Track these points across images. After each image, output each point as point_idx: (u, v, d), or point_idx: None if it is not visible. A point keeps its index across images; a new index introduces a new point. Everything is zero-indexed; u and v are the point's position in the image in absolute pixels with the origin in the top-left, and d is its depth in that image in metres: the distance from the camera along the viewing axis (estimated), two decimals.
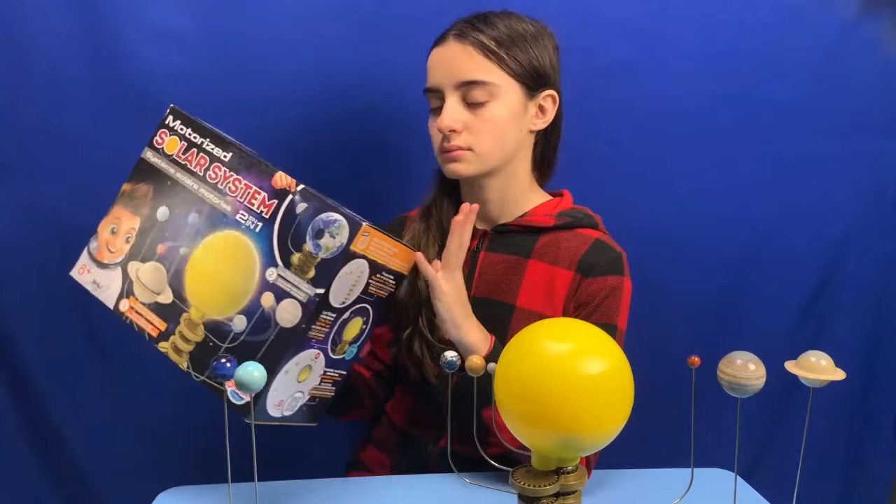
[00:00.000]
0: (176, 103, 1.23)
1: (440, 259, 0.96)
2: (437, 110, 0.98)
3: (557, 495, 0.61)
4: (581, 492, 0.62)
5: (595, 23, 1.28)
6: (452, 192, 1.06)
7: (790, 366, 0.57)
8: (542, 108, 1.01)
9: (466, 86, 0.95)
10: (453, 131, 0.96)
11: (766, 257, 1.38)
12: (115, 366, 1.31)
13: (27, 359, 1.28)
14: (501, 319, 0.99)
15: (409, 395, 1.09)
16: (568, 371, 0.56)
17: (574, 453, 0.60)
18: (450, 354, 0.67)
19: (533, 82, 0.98)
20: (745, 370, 0.55)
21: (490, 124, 0.96)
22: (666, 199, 1.34)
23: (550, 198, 1.07)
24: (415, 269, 0.94)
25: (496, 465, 0.74)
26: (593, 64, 1.28)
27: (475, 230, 1.04)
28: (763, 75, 1.32)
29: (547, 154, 1.07)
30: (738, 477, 0.78)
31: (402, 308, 1.02)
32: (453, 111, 0.96)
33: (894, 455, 1.50)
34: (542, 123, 1.02)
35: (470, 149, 0.97)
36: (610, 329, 0.96)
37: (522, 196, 1.05)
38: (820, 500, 1.49)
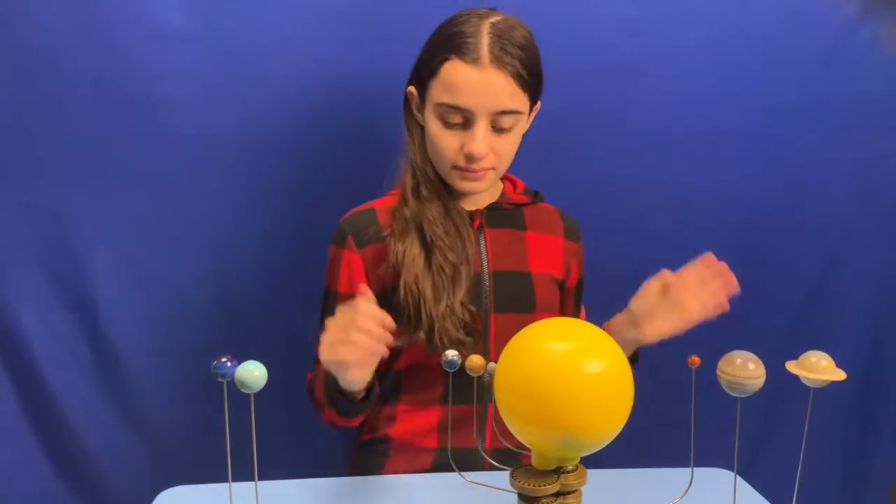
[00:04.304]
0: (178, 103, 1.24)
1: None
2: (453, 126, 0.98)
3: (557, 495, 0.60)
4: (581, 491, 0.61)
5: (595, 24, 1.28)
6: (435, 186, 1.04)
7: (791, 366, 0.57)
8: (529, 118, 1.04)
9: (501, 114, 0.97)
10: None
11: (766, 257, 1.39)
12: (118, 365, 1.31)
13: (31, 357, 1.28)
14: (525, 288, 1.05)
15: (435, 405, 1.05)
16: (568, 370, 0.56)
17: (574, 453, 0.59)
18: (450, 353, 0.67)
19: (536, 97, 1.03)
20: (744, 369, 0.55)
21: (512, 146, 1.01)
22: (666, 199, 1.34)
23: (504, 181, 1.13)
24: (425, 248, 0.99)
25: (496, 463, 0.74)
26: (594, 64, 1.28)
27: (472, 210, 1.07)
28: (763, 75, 1.32)
29: None
30: (737, 476, 0.78)
31: (422, 293, 0.98)
32: (487, 137, 0.97)
33: (894, 455, 1.50)
34: (526, 128, 1.05)
35: (493, 168, 1.01)
36: (583, 281, 1.13)
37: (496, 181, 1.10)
38: (820, 499, 1.49)
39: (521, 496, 0.61)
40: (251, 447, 0.62)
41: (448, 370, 0.67)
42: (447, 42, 0.97)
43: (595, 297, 1.16)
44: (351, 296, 1.00)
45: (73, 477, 1.34)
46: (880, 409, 1.49)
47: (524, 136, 1.06)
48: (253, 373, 0.55)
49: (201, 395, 1.34)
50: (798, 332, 1.42)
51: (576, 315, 1.15)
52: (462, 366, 0.66)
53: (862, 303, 1.43)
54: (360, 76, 1.25)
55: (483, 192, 1.05)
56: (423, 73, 1.00)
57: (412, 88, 1.04)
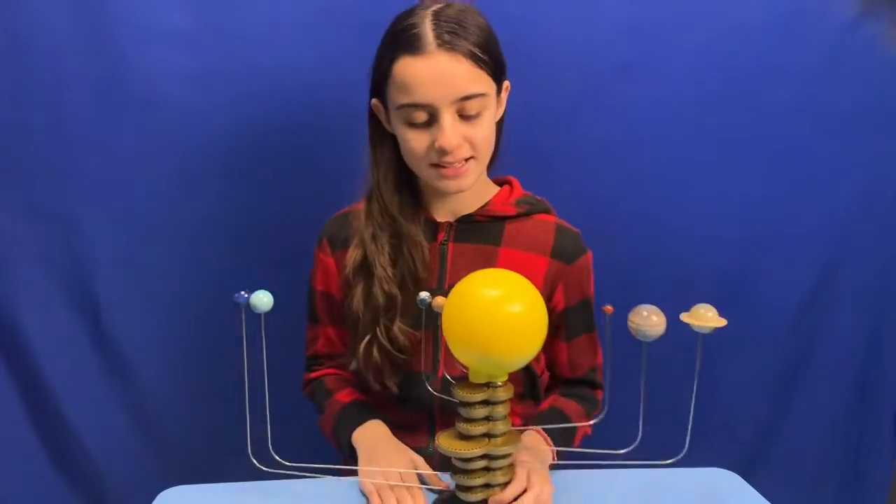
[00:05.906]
0: (177, 103, 1.24)
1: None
2: (420, 125, 0.93)
3: (487, 403, 0.78)
4: (509, 402, 0.78)
5: (595, 24, 1.28)
6: (402, 185, 1.02)
7: (684, 316, 0.72)
8: (499, 100, 0.99)
9: (464, 100, 0.91)
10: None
11: (765, 257, 1.38)
12: (119, 364, 1.32)
13: (33, 356, 1.29)
14: None
15: (387, 408, 1.05)
16: (495, 310, 0.74)
17: (500, 371, 0.77)
18: (423, 294, 0.81)
19: (500, 78, 0.97)
20: (648, 320, 0.70)
21: (484, 133, 0.95)
22: (666, 199, 1.34)
23: (499, 186, 1.07)
24: (366, 274, 1.00)
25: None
26: (593, 65, 1.28)
27: (439, 223, 1.03)
28: (763, 75, 1.32)
29: (498, 140, 1.04)
30: (736, 475, 0.78)
31: (357, 316, 1.01)
32: (455, 127, 0.92)
33: (894, 455, 1.50)
34: (500, 112, 1.00)
35: (472, 158, 0.95)
36: (589, 301, 1.07)
37: (482, 187, 1.04)
38: (819, 499, 1.49)
39: (460, 402, 0.78)
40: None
41: (421, 307, 0.81)
42: (392, 40, 0.94)
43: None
44: (325, 293, 1.09)
45: (73, 477, 1.34)
46: (879, 410, 1.49)
47: (504, 126, 1.02)
48: (262, 299, 0.75)
49: (202, 395, 1.34)
50: (797, 331, 1.42)
51: (570, 342, 1.07)
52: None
53: (861, 302, 1.43)
54: (361, 76, 1.25)
55: (467, 190, 0.98)
56: (379, 79, 0.96)
57: (376, 101, 0.99)
